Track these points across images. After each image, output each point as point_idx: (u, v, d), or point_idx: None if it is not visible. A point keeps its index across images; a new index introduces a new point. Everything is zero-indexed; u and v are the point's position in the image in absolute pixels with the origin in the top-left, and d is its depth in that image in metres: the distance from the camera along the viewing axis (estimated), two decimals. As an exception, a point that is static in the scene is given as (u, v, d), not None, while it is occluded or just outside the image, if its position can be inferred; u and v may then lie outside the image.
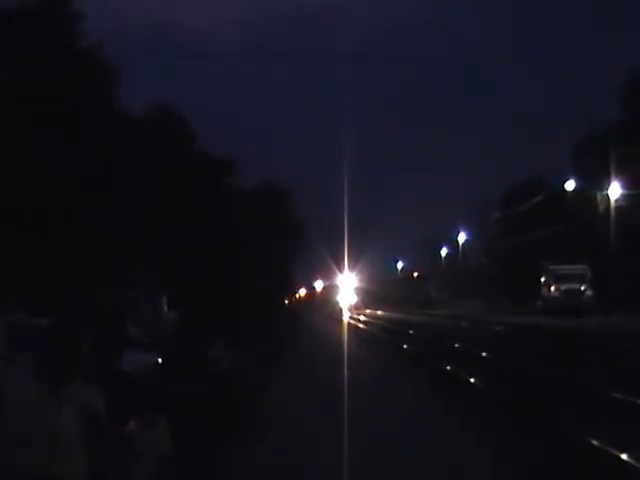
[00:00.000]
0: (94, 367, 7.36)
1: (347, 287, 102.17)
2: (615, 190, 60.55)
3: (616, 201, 60.59)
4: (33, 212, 24.61)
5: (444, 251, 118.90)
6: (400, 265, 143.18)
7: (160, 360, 17.38)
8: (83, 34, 31.44)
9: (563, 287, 61.19)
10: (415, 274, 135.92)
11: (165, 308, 29.13)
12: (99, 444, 6.58)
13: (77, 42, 31.29)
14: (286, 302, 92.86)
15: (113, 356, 8.31)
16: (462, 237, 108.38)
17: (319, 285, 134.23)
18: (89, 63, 30.72)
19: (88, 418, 6.53)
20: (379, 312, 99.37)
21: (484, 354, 29.09)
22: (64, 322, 7.17)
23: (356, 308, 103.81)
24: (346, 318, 71.49)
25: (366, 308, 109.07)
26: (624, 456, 11.71)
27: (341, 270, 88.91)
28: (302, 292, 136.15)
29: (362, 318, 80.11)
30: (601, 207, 63.60)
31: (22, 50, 29.36)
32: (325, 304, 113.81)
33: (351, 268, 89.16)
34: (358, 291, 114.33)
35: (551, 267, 63.36)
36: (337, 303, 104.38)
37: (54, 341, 6.73)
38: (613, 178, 60.40)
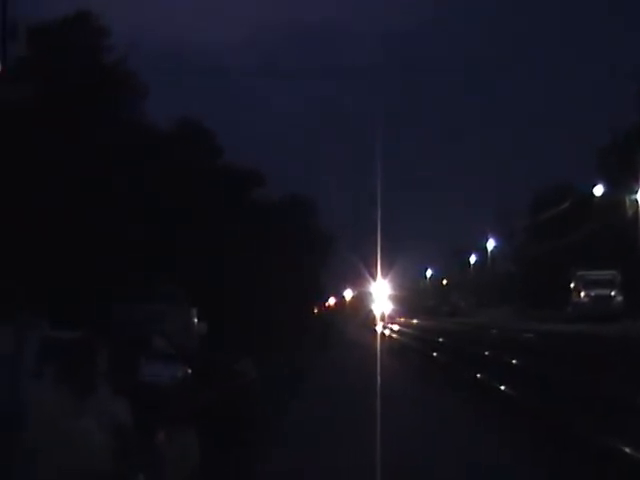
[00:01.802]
0: (117, 379, 7.42)
1: (380, 295, 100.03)
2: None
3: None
4: (60, 223, 24.78)
5: (472, 258, 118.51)
6: (429, 273, 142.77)
7: (190, 372, 17.45)
8: (108, 49, 31.70)
9: (592, 293, 60.70)
10: (444, 282, 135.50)
11: (195, 320, 29.18)
12: (126, 455, 6.64)
13: (102, 56, 31.54)
14: (315, 311, 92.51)
15: (134, 368, 8.38)
16: (491, 244, 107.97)
17: (348, 294, 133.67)
18: (115, 77, 30.94)
19: (114, 429, 6.59)
20: (414, 321, 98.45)
21: (514, 361, 29.04)
22: (84, 336, 7.25)
23: (390, 317, 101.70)
24: (379, 328, 70.67)
25: (399, 317, 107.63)
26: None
27: (371, 278, 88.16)
28: (331, 301, 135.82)
29: (395, 327, 79.39)
30: (630, 212, 63.18)
31: (47, 65, 29.61)
32: (356, 313, 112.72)
33: (382, 276, 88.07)
34: (392, 299, 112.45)
35: (580, 273, 62.89)
36: (371, 311, 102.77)
37: (73, 354, 6.81)
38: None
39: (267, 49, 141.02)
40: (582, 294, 61.84)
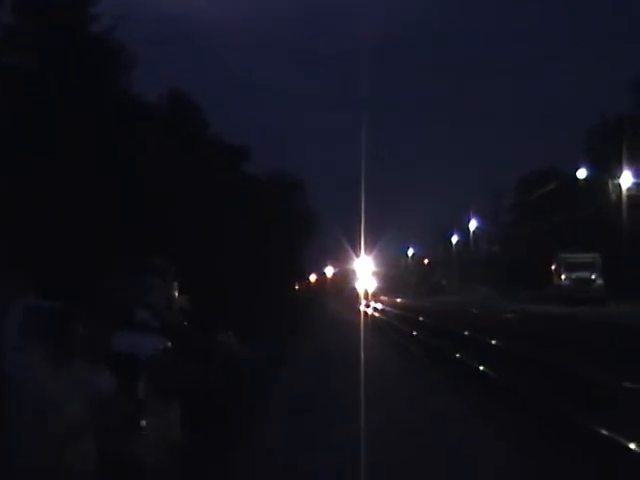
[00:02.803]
0: (97, 350, 7.42)
1: (364, 272, 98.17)
2: (627, 179, 60.40)
3: (628, 190, 60.47)
4: (43, 197, 24.69)
5: (455, 238, 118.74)
6: (411, 251, 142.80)
7: (170, 344, 17.46)
8: (96, 18, 31.40)
9: (573, 275, 61.07)
10: (425, 261, 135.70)
11: (176, 293, 29.20)
12: (109, 428, 6.64)
13: (89, 26, 31.28)
14: (297, 287, 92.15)
15: (114, 339, 8.39)
16: (473, 224, 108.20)
17: (329, 271, 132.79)
18: (102, 46, 30.69)
19: (97, 402, 6.59)
20: (398, 300, 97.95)
21: (492, 341, 29.42)
22: (65, 305, 7.24)
23: (374, 295, 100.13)
24: (363, 307, 70.02)
25: (383, 295, 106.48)
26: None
27: (354, 255, 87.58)
28: (312, 278, 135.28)
29: (379, 306, 78.74)
30: (613, 196, 63.47)
31: (34, 35, 29.39)
32: (339, 291, 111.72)
33: (365, 253, 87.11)
34: (376, 276, 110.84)
35: (562, 255, 63.21)
36: (354, 289, 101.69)
37: (53, 323, 6.81)
38: (625, 167, 60.27)
39: (263, 30, 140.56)
40: (563, 276, 62.20)
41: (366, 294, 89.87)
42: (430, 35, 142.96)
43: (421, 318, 49.42)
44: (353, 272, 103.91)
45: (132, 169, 28.34)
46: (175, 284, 30.24)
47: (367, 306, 73.35)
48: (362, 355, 24.84)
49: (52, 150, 25.09)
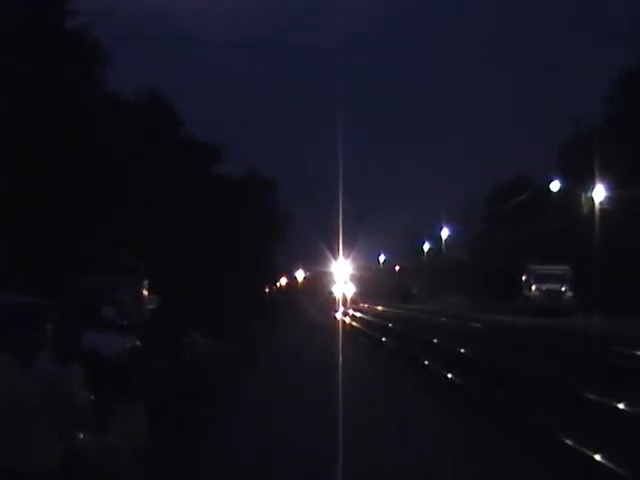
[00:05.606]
0: (64, 347, 7.33)
1: (341, 276, 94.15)
2: (599, 192, 60.66)
3: (600, 203, 60.71)
4: (17, 196, 24.52)
5: (426, 246, 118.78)
6: (382, 258, 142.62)
7: (138, 343, 17.39)
8: (72, 14, 31.21)
9: (543, 287, 61.32)
10: (396, 268, 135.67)
11: (145, 292, 29.02)
12: (74, 427, 6.55)
13: (65, 22, 31.09)
14: (267, 291, 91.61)
15: (82, 337, 8.30)
16: (445, 233, 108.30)
17: (300, 275, 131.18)
18: (77, 43, 30.52)
19: (63, 398, 6.50)
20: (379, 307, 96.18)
21: (462, 350, 29.58)
22: (39, 302, 7.17)
23: (352, 301, 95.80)
24: (340, 314, 67.59)
25: (363, 302, 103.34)
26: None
27: (328, 258, 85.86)
28: (283, 281, 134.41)
29: (358, 314, 75.13)
30: (585, 209, 63.70)
31: (8, 31, 29.21)
32: (312, 295, 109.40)
33: (336, 257, 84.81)
34: (354, 280, 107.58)
35: (532, 266, 63.48)
36: (331, 293, 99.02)
37: (16, 319, 6.74)
38: (597, 180, 60.51)
39: (239, 24, 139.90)
40: (533, 288, 62.45)
41: (344, 300, 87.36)
42: (410, 42, 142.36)
43: (390, 325, 49.36)
44: (330, 275, 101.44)
45: (109, 170, 28.23)
46: (145, 282, 30.09)
47: (345, 314, 70.22)
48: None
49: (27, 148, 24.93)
